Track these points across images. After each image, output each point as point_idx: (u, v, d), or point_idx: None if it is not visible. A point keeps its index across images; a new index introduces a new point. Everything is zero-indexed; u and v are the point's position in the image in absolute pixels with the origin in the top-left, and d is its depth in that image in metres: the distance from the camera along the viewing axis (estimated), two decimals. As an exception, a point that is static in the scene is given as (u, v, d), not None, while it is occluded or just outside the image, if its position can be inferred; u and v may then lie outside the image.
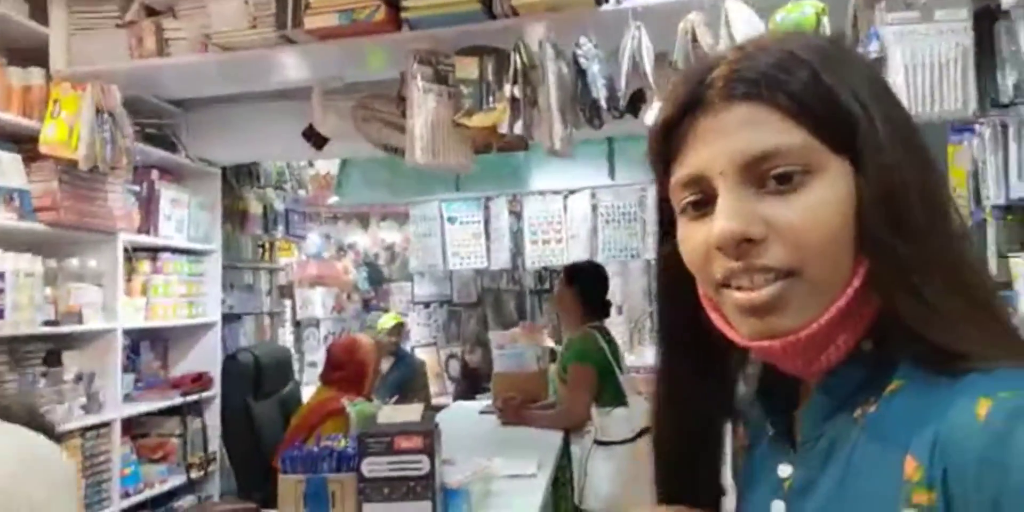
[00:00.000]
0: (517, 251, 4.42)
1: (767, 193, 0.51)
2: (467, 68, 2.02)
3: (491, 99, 1.99)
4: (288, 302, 5.70)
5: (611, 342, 2.78)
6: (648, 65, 1.91)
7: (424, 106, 2.06)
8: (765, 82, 0.51)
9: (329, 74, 2.45)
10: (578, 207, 4.22)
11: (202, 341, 3.12)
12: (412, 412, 1.72)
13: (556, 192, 4.30)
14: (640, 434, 2.57)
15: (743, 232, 0.50)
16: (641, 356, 6.38)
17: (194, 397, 2.94)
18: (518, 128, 1.98)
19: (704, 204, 0.53)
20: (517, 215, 4.43)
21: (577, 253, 4.09)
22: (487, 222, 4.39)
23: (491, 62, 2.02)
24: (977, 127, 1.77)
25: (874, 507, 0.48)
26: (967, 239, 0.54)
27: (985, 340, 0.49)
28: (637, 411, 2.61)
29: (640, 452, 2.54)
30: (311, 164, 4.64)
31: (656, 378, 0.66)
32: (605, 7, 2.00)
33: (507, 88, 1.98)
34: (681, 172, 0.54)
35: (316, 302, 7.09)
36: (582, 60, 1.94)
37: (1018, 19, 1.70)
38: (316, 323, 7.09)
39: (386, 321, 5.12)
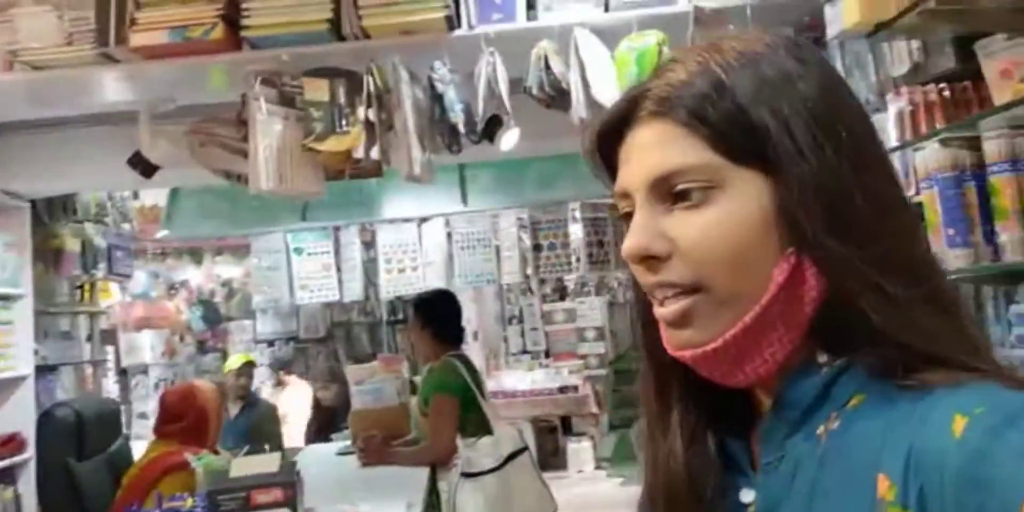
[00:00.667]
0: (370, 281, 4.29)
1: (677, 210, 0.52)
2: (317, 90, 1.93)
3: (344, 123, 1.91)
4: (111, 348, 5.17)
5: (472, 369, 2.74)
6: (504, 90, 1.92)
7: (268, 130, 1.94)
8: (672, 100, 0.52)
9: (157, 96, 2.25)
10: (432, 234, 4.18)
11: (12, 398, 2.71)
12: (269, 462, 1.58)
13: (409, 220, 4.24)
14: (508, 460, 2.53)
15: (644, 249, 0.52)
16: (500, 381, 6.39)
17: (4, 463, 2.54)
18: (374, 153, 1.91)
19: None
20: (369, 244, 4.31)
21: (433, 280, 4.03)
22: (337, 252, 4.23)
23: (342, 84, 1.94)
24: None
25: None
26: (920, 238, 0.54)
27: (944, 341, 0.49)
28: (503, 438, 2.58)
29: (508, 479, 2.50)
30: (136, 195, 4.26)
31: (642, 401, 0.63)
32: (458, 32, 2.00)
33: (361, 111, 1.90)
34: (616, 187, 0.56)
35: (144, 347, 6.50)
36: (438, 84, 1.92)
37: (834, 48, 1.89)
38: (144, 370, 6.49)
39: (234, 361, 4.75)
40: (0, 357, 2.66)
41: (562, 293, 8.49)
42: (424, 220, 4.26)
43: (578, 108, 1.92)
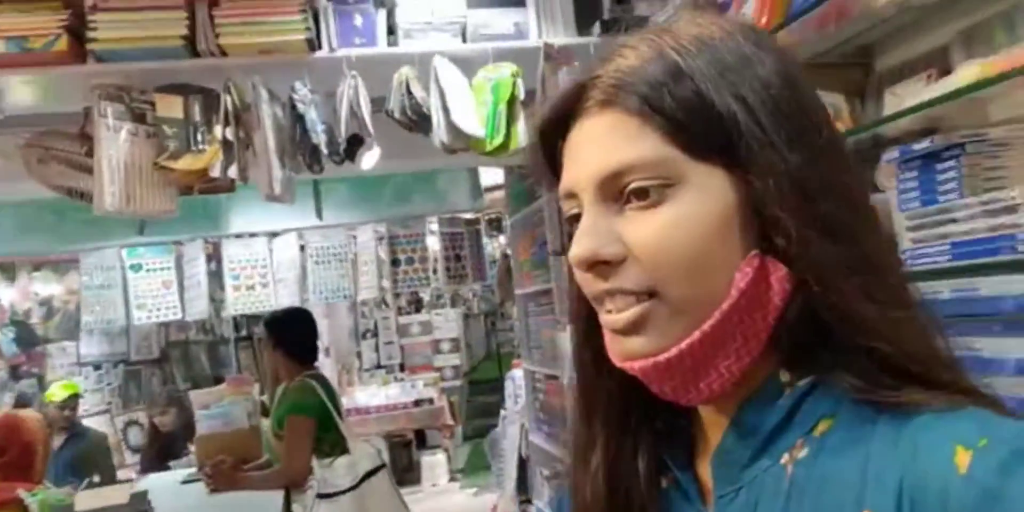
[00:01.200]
0: (215, 299, 4.12)
1: (629, 209, 0.47)
2: (170, 107, 1.88)
3: (200, 141, 1.88)
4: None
5: (329, 389, 2.72)
6: (366, 112, 1.96)
7: (115, 146, 1.87)
8: (624, 88, 0.47)
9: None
10: (284, 249, 4.08)
11: None
12: (117, 494, 1.52)
13: (258, 234, 4.11)
14: (365, 478, 2.54)
15: (595, 254, 0.46)
16: (353, 398, 6.29)
17: None
18: (232, 172, 1.89)
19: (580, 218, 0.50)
20: (213, 259, 4.14)
21: (286, 297, 3.95)
22: (179, 269, 4.03)
23: (198, 102, 1.91)
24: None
25: None
26: (892, 244, 0.52)
27: (920, 350, 0.45)
28: (360, 456, 2.59)
29: (365, 497, 2.52)
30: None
31: (575, 414, 0.57)
32: (319, 54, 2.02)
33: (218, 130, 1.88)
34: (560, 187, 0.51)
35: (-53, 372, 5.83)
36: (299, 104, 1.93)
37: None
38: (-52, 398, 5.81)
39: (58, 391, 4.35)
40: None
41: (417, 305, 8.51)
42: (275, 234, 4.15)
43: (439, 132, 2.00)
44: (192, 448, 3.90)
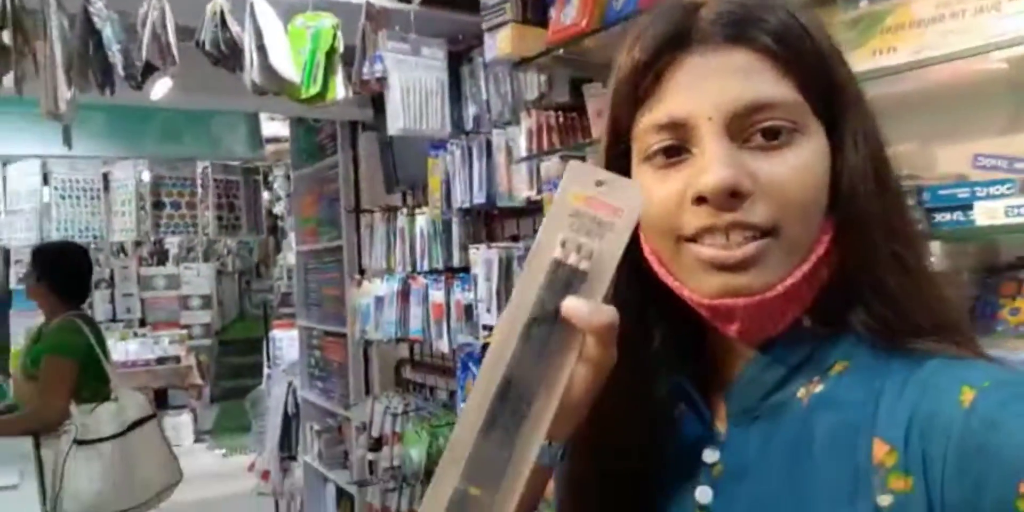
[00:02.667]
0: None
1: (751, 148, 0.48)
2: (-71, -4, 1.61)
3: (-32, 41, 1.64)
4: None
5: (96, 331, 2.52)
6: (172, 38, 1.85)
7: None
8: (764, 29, 0.48)
9: None
10: (23, 178, 3.60)
11: None
12: None
13: (-11, 158, 3.58)
14: (131, 428, 2.41)
15: (737, 183, 0.47)
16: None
17: None
18: (7, 81, 1.68)
19: (678, 152, 0.50)
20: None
21: (23, 231, 3.49)
22: None
23: (-34, -4, 1.66)
24: (449, 145, 2.25)
25: (835, 491, 0.46)
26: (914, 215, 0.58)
27: (945, 324, 0.49)
28: (128, 404, 2.44)
29: (131, 446, 2.39)
30: None
31: None
32: (121, -33, 1.85)
33: (-7, 32, 1.66)
34: (658, 113, 0.49)
35: None
36: (95, 19, 1.76)
37: (478, 66, 2.23)
38: None
39: None
40: None
41: (161, 257, 7.85)
42: (9, 160, 3.64)
43: (251, 72, 1.94)
44: None
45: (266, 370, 5.18)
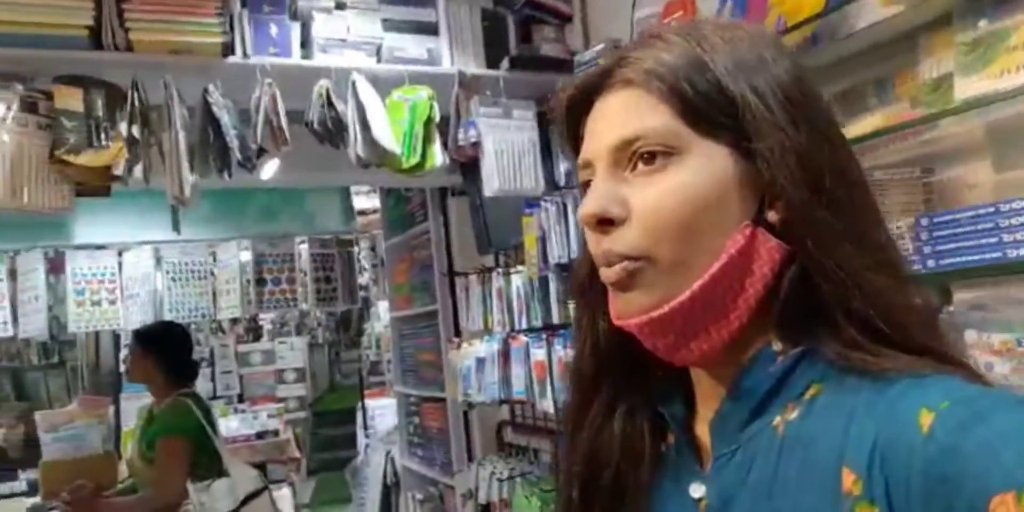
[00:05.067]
0: (55, 315, 3.74)
1: (636, 175, 0.52)
2: (69, 99, 1.76)
3: (103, 137, 1.77)
4: None
5: (205, 408, 2.58)
6: (283, 122, 1.95)
7: (0, 136, 1.71)
8: (648, 71, 0.52)
9: None
10: (137, 264, 3.81)
11: None
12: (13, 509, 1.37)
13: (103, 246, 3.81)
14: (245, 502, 2.42)
15: (602, 211, 0.51)
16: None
17: None
18: (137, 171, 1.80)
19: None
20: (55, 272, 3.77)
21: (138, 314, 3.67)
22: (13, 281, 3.63)
23: (101, 96, 1.80)
24: (544, 202, 2.27)
25: None
26: (880, 218, 0.54)
27: (907, 318, 0.49)
28: (240, 479, 2.47)
29: (246, 521, 2.40)
30: None
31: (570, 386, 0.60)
32: (233, 59, 1.99)
33: (123, 127, 1.78)
34: (580, 156, 0.56)
35: None
36: (214, 107, 1.88)
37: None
38: None
39: None
40: None
41: (256, 333, 8.10)
42: (125, 248, 3.87)
43: (355, 146, 2.02)
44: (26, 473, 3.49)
45: (363, 440, 5.18)
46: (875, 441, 0.44)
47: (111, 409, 2.94)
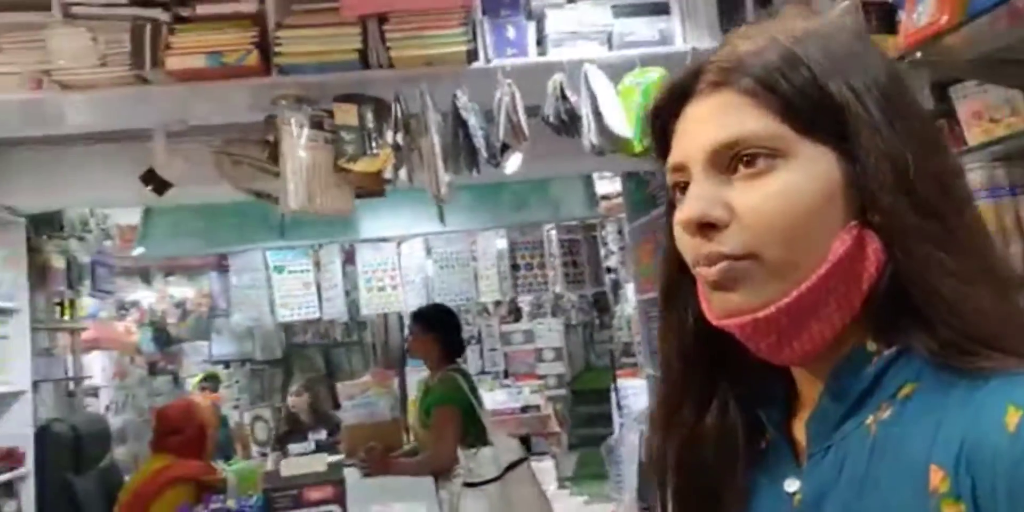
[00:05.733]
0: (350, 300, 4.36)
1: (737, 178, 0.51)
2: (346, 115, 2.05)
3: (374, 145, 2.04)
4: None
5: (471, 382, 2.85)
6: (523, 118, 2.08)
7: (298, 151, 2.05)
8: (739, 70, 0.52)
9: (177, 117, 2.33)
10: (412, 254, 4.29)
11: (9, 413, 2.70)
12: (316, 463, 1.67)
13: (387, 239, 4.34)
14: (508, 469, 2.65)
15: (702, 215, 0.51)
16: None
17: (5, 476, 2.52)
18: (402, 174, 2.05)
19: (685, 188, 0.55)
20: (349, 263, 4.38)
21: (413, 299, 4.14)
22: (318, 271, 4.29)
23: (370, 110, 2.08)
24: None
25: None
26: (980, 222, 0.53)
27: (1002, 323, 0.47)
28: (503, 448, 2.69)
29: (509, 487, 2.61)
30: (104, 214, 4.24)
31: (658, 396, 0.61)
32: (477, 64, 2.16)
33: (389, 135, 2.04)
34: (670, 159, 0.56)
35: (94, 368, 6.34)
36: (462, 111, 2.06)
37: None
38: (95, 392, 6.34)
39: (197, 378, 4.74)
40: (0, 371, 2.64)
41: (517, 315, 8.63)
42: (402, 240, 4.37)
43: (589, 135, 2.09)
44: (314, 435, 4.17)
45: (617, 419, 5.32)
46: (963, 439, 0.44)
47: (396, 381, 3.37)
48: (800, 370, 0.55)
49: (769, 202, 0.50)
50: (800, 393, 0.56)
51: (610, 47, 2.26)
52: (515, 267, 4.24)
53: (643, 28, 2.28)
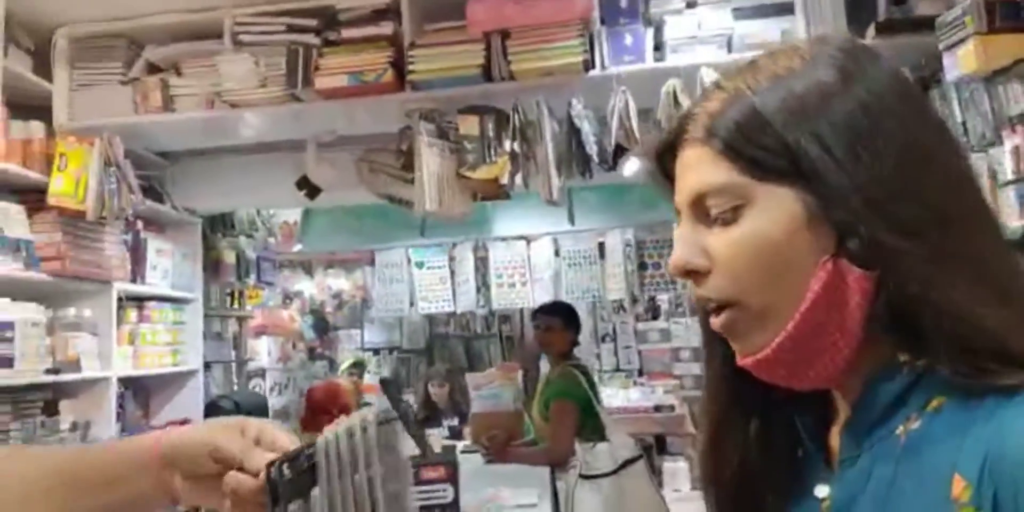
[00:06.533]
0: (482, 294, 4.57)
1: (714, 225, 0.55)
2: (469, 125, 2.21)
3: (492, 153, 2.18)
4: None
5: (590, 378, 2.94)
6: (635, 123, 2.14)
7: (430, 160, 2.24)
8: (709, 130, 0.55)
9: (327, 129, 2.60)
10: (541, 252, 4.42)
11: (184, 389, 3.12)
12: (435, 444, 1.83)
13: (519, 238, 4.50)
14: (623, 465, 2.71)
15: (685, 263, 0.55)
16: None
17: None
18: (518, 180, 2.18)
19: None
20: (482, 260, 4.60)
21: (542, 295, 4.27)
22: (452, 267, 4.54)
23: (491, 120, 2.22)
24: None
25: None
26: (991, 236, 0.53)
27: (1018, 336, 0.47)
28: (618, 444, 2.76)
29: (623, 483, 2.68)
30: (270, 213, 4.71)
31: (705, 417, 0.64)
32: (593, 73, 2.24)
33: (507, 144, 2.17)
34: (675, 203, 0.59)
35: (262, 352, 6.98)
36: (576, 119, 2.16)
37: (948, 88, 1.99)
38: (262, 373, 6.98)
39: (346, 364, 5.15)
40: (178, 352, 3.06)
41: (654, 313, 8.55)
42: (532, 238, 4.52)
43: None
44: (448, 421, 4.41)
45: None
46: (987, 452, 0.45)
47: (520, 374, 3.51)
48: (836, 386, 0.57)
49: (737, 249, 0.53)
50: (839, 406, 0.58)
51: (729, 50, 2.27)
52: (642, 266, 4.26)
53: (765, 29, 2.27)
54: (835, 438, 0.57)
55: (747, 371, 0.56)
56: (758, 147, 0.52)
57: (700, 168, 0.55)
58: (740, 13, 2.29)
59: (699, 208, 0.55)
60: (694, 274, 0.55)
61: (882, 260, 0.50)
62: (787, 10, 2.27)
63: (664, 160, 0.61)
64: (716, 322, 0.55)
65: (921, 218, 0.50)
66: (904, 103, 0.53)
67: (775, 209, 0.52)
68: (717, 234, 0.54)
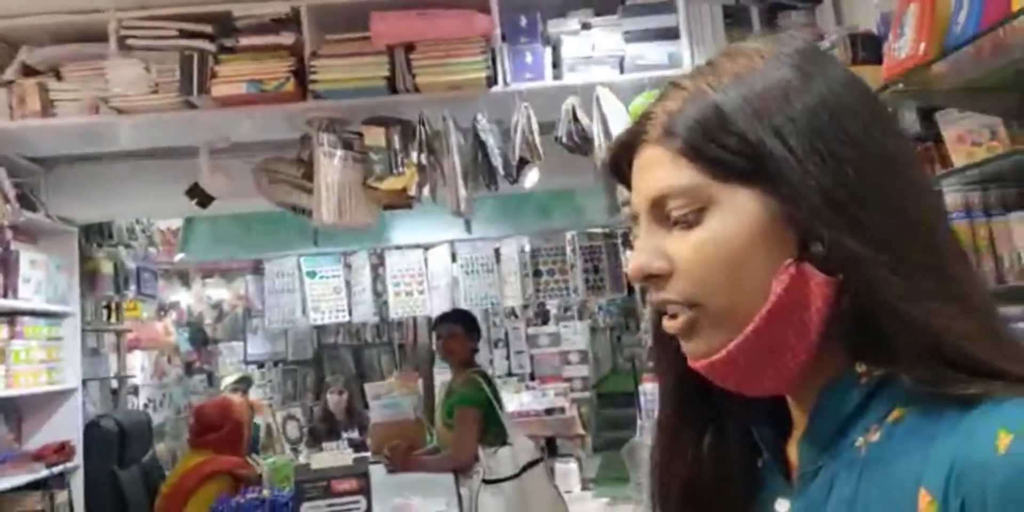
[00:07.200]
0: (379, 303, 4.53)
1: (675, 230, 0.53)
2: (375, 136, 2.22)
3: (400, 165, 2.20)
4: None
5: (492, 384, 3.00)
6: (537, 138, 2.22)
7: (330, 170, 2.22)
8: (669, 130, 0.53)
9: (221, 136, 2.52)
10: (438, 260, 4.45)
11: (61, 409, 2.92)
12: (343, 458, 1.83)
13: (415, 246, 4.50)
14: (525, 469, 2.78)
15: (645, 268, 0.53)
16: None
17: (58, 468, 2.73)
18: (425, 191, 2.20)
19: None
20: (377, 269, 4.56)
21: (440, 303, 4.29)
22: (348, 276, 4.48)
23: (397, 132, 2.24)
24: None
25: None
26: (946, 240, 0.52)
27: (978, 344, 0.47)
28: (520, 448, 2.83)
29: (525, 485, 2.75)
30: (149, 221, 4.47)
31: (658, 425, 0.62)
32: (496, 89, 2.31)
33: (414, 155, 2.20)
34: (631, 210, 0.58)
35: (135, 367, 6.57)
36: (481, 133, 2.22)
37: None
38: (135, 390, 6.57)
39: (230, 379, 4.95)
40: (54, 370, 2.86)
41: (544, 317, 8.74)
42: (429, 247, 4.53)
43: (600, 153, 2.23)
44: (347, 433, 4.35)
45: (639, 422, 5.41)
46: (952, 463, 0.44)
47: (420, 382, 3.52)
48: (790, 395, 0.56)
49: (699, 251, 0.51)
50: (794, 416, 0.56)
51: (622, 71, 2.40)
52: (537, 273, 4.38)
53: (653, 52, 2.42)
54: (792, 450, 0.56)
55: (702, 380, 0.55)
56: (719, 146, 0.51)
57: (659, 169, 0.53)
58: (630, 35, 2.43)
59: (659, 210, 0.53)
60: (654, 279, 0.53)
61: (845, 265, 0.49)
62: (673, 35, 2.43)
63: (620, 163, 0.58)
64: (673, 324, 0.53)
65: (885, 223, 0.49)
66: (863, 104, 0.53)
67: (738, 211, 0.51)
68: (677, 237, 0.53)
